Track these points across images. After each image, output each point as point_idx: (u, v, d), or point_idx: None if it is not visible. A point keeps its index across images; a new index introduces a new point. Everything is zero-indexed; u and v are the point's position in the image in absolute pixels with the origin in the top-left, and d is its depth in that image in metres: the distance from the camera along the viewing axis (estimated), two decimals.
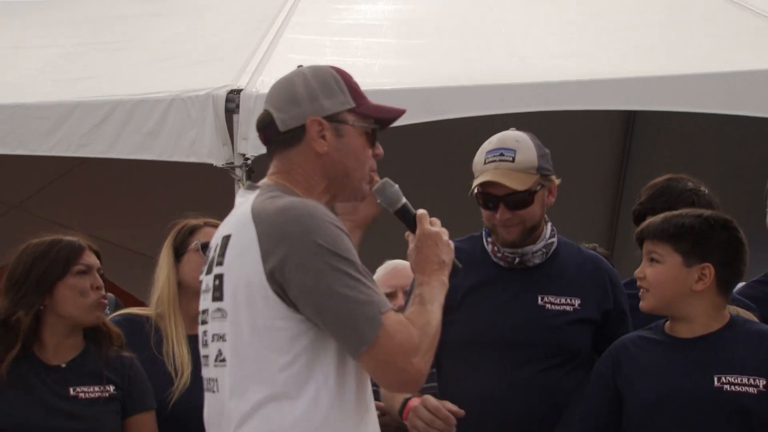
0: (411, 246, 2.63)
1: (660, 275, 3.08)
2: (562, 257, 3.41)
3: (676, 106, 4.75)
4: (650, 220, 3.21)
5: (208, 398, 2.54)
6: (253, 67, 5.15)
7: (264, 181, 2.57)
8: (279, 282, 2.34)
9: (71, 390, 3.31)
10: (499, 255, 3.35)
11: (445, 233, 2.62)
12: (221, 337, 2.45)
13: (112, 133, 4.74)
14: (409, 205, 2.68)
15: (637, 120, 7.12)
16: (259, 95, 4.76)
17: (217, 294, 2.46)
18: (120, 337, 3.49)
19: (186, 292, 3.67)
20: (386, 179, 2.67)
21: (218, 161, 4.66)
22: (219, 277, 2.46)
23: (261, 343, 2.37)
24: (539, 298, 3.31)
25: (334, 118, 2.52)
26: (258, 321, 2.37)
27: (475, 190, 3.31)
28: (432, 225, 2.63)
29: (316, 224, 2.34)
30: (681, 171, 3.87)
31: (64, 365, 3.36)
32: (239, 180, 4.65)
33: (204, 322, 2.54)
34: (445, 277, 2.55)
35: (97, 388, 3.34)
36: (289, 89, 2.55)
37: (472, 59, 5.40)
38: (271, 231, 2.35)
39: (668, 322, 3.20)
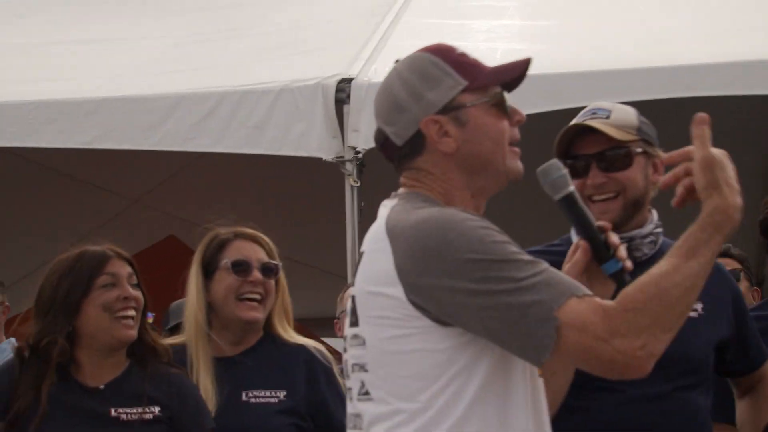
0: (577, 255, 2.37)
1: None
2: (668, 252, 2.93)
3: None
4: None
5: None
6: (367, 54, 4.93)
7: (401, 189, 2.29)
8: (423, 301, 2.09)
9: (112, 411, 3.09)
10: None
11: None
12: (362, 367, 2.20)
13: (219, 127, 4.61)
14: (577, 195, 2.33)
15: None
16: (371, 84, 4.52)
17: (353, 318, 2.22)
18: (167, 351, 3.22)
19: (217, 316, 3.35)
20: (554, 160, 2.35)
21: (328, 155, 4.46)
22: (353, 300, 2.22)
23: (406, 370, 2.12)
24: None
25: (449, 108, 2.20)
26: (400, 345, 2.12)
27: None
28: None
29: (456, 234, 2.08)
30: None
31: (102, 387, 3.12)
32: (350, 175, 4.41)
33: (346, 350, 2.29)
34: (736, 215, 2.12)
35: (138, 410, 3.10)
36: (390, 96, 2.24)
37: (602, 42, 5.07)
38: (408, 247, 2.10)
39: None
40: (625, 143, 2.82)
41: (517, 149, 2.23)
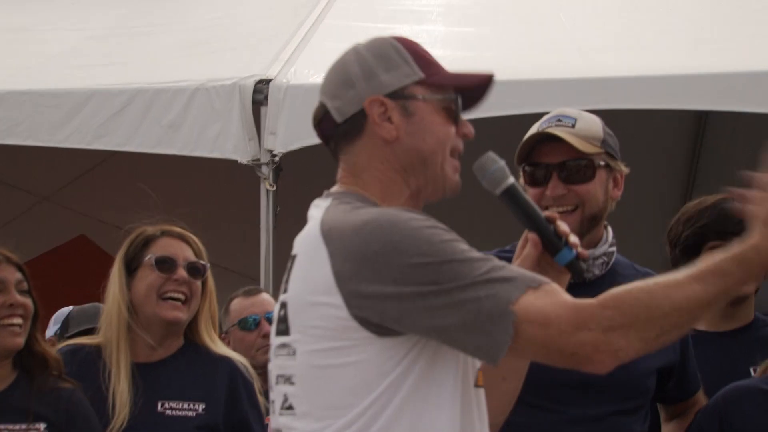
0: (527, 250, 2.22)
1: None
2: (621, 272, 2.86)
3: (756, 107, 4.28)
4: None
5: None
6: (287, 55, 4.84)
7: (336, 187, 2.16)
8: (365, 311, 1.97)
9: None
10: None
11: None
12: (287, 380, 2.08)
13: (131, 125, 4.47)
14: (519, 187, 2.22)
15: (709, 122, 6.64)
16: (290, 86, 4.42)
17: (282, 326, 2.08)
18: (59, 363, 3.05)
19: (138, 316, 3.19)
20: (489, 153, 2.21)
21: (243, 158, 4.35)
22: (284, 306, 2.09)
23: (337, 384, 2.00)
24: None
25: (399, 95, 2.09)
26: (334, 359, 2.00)
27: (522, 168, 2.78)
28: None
29: (402, 237, 1.96)
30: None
31: None
32: (266, 179, 4.30)
33: (271, 360, 2.16)
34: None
35: (23, 426, 2.93)
36: (341, 71, 2.13)
37: (526, 51, 5.04)
38: (348, 253, 1.98)
39: None
40: (589, 155, 2.74)
41: (457, 162, 2.13)
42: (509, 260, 2.63)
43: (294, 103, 4.37)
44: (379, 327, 1.97)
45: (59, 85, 4.61)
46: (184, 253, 3.21)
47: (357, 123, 2.09)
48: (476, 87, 2.14)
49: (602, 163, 2.76)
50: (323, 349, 2.00)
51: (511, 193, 2.19)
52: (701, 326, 3.27)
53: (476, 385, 2.08)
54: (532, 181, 2.76)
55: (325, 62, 5.33)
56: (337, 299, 1.97)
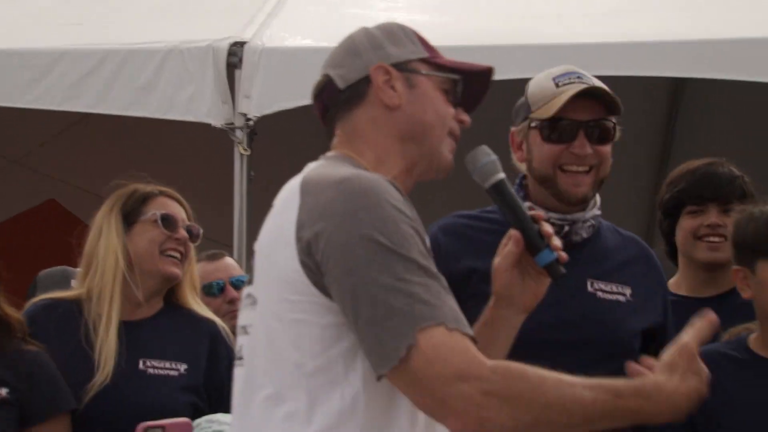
0: (509, 247, 2.20)
1: None
2: (605, 235, 2.87)
3: (731, 74, 4.28)
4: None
5: None
6: (263, 17, 4.78)
7: (330, 153, 2.17)
8: (312, 266, 1.96)
9: None
10: None
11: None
12: (244, 329, 2.08)
13: (102, 86, 4.40)
14: (508, 183, 2.22)
15: (686, 89, 6.65)
16: (264, 49, 4.37)
17: (250, 276, 2.11)
18: (22, 325, 3.01)
19: (134, 271, 3.17)
20: (482, 146, 2.23)
21: (217, 121, 4.30)
22: (253, 256, 2.11)
23: (285, 338, 1.98)
24: (588, 284, 2.76)
25: (403, 67, 2.14)
26: (285, 311, 1.98)
27: (533, 123, 2.73)
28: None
29: (369, 204, 1.94)
30: (734, 150, 3.39)
31: None
32: (240, 143, 4.26)
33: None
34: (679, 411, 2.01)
35: None
36: (348, 44, 2.19)
37: (503, 16, 5.01)
38: (315, 204, 1.97)
39: (755, 337, 2.73)
40: (614, 115, 2.71)
41: (453, 144, 2.16)
42: (490, 221, 2.62)
43: (269, 66, 4.32)
44: (323, 287, 1.95)
45: (29, 44, 4.54)
46: (181, 214, 3.26)
47: (360, 89, 2.13)
48: (474, 74, 2.18)
49: (616, 125, 2.76)
50: (278, 299, 1.99)
51: (499, 188, 2.20)
52: (682, 291, 3.29)
53: None
54: (552, 137, 2.71)
55: (301, 25, 5.28)
56: (292, 248, 1.96)
